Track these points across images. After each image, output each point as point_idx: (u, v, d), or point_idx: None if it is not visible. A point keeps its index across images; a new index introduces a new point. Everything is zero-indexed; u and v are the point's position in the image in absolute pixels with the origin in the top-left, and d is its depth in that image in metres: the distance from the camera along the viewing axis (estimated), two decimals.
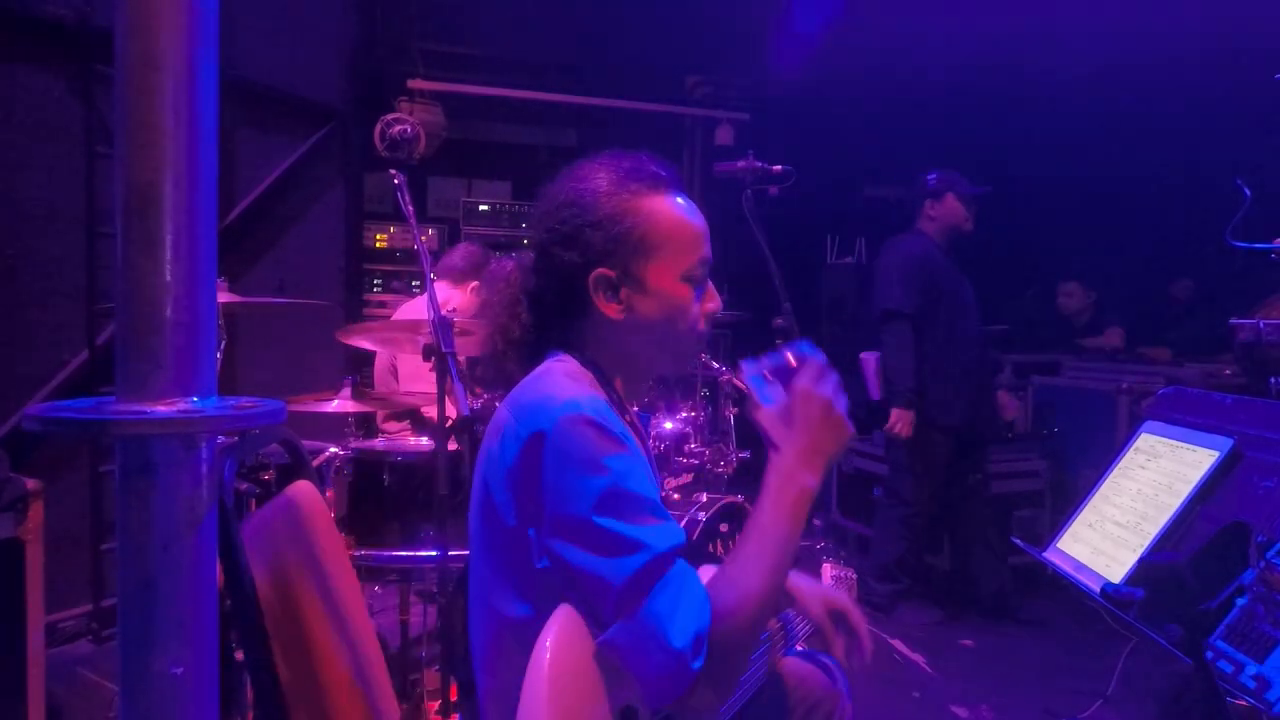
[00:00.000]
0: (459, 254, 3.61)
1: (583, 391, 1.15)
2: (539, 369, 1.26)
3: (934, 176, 3.79)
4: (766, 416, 1.17)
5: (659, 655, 1.00)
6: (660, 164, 1.29)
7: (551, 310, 1.29)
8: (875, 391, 3.72)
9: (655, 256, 1.22)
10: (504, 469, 1.14)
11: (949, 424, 3.61)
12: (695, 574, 1.08)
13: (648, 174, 1.26)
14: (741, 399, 3.64)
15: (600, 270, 1.21)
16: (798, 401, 1.14)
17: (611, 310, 1.22)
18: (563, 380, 1.19)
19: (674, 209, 1.25)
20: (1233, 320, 2.34)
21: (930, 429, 3.59)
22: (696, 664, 1.00)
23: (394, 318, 3.67)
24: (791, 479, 1.12)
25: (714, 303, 1.30)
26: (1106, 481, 1.64)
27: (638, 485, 1.08)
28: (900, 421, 3.53)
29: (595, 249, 1.21)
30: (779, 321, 3.29)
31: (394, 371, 3.41)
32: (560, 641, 1.04)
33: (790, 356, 1.17)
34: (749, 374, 1.20)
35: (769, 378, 1.17)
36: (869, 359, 3.76)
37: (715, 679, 1.03)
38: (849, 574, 1.93)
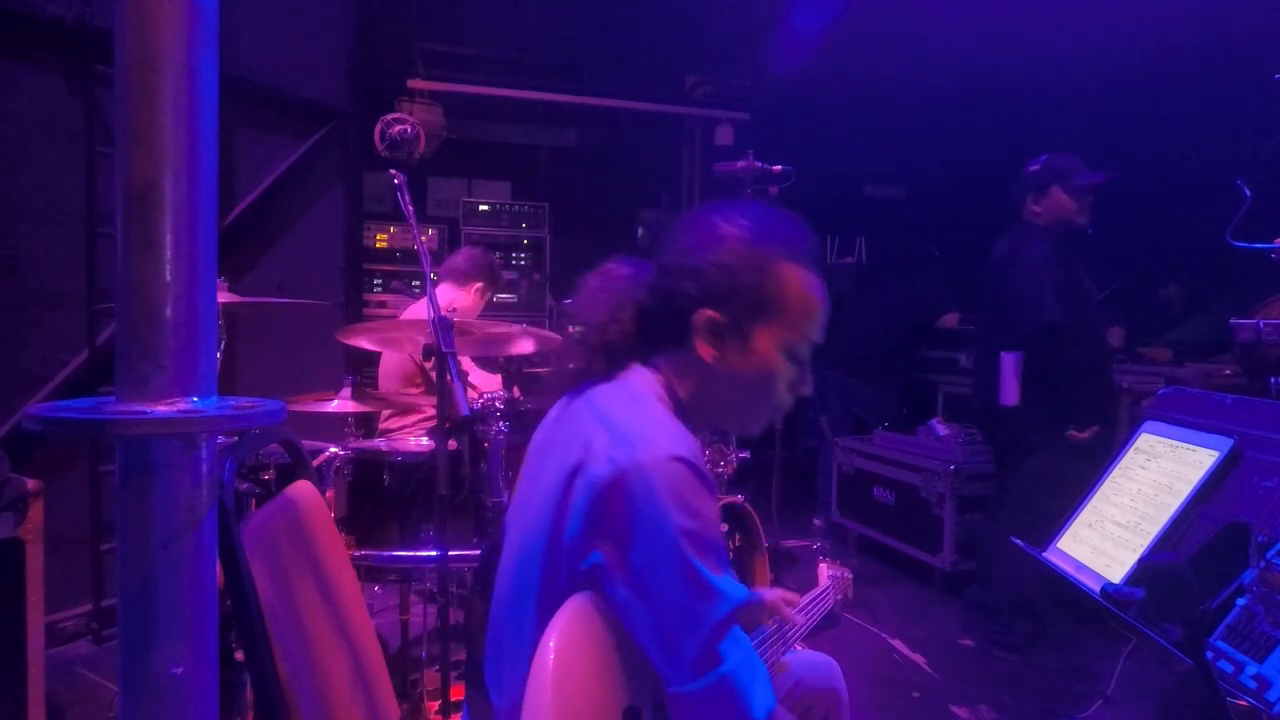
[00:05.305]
0: (462, 256, 3.61)
1: (684, 432, 1.15)
2: (630, 383, 1.25)
3: (1037, 166, 3.30)
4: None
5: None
6: (810, 236, 1.28)
7: (654, 327, 1.28)
8: (1011, 396, 3.37)
9: (770, 320, 1.21)
10: (588, 485, 1.09)
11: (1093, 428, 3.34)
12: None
13: (799, 240, 1.25)
14: None
15: (710, 311, 1.21)
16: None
17: (707, 353, 1.22)
18: (661, 412, 1.19)
19: (809, 285, 1.24)
20: (1233, 320, 2.34)
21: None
22: None
23: (401, 317, 3.66)
24: None
25: (806, 387, 1.29)
26: (1106, 481, 1.65)
27: (718, 536, 1.09)
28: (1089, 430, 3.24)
29: (714, 289, 1.20)
30: None
31: (417, 373, 3.36)
32: (564, 641, 1.03)
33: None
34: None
35: None
36: (1010, 359, 3.39)
37: None
38: (844, 573, 1.93)
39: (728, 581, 1.05)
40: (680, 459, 1.06)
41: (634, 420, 1.14)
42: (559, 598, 1.09)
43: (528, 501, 1.23)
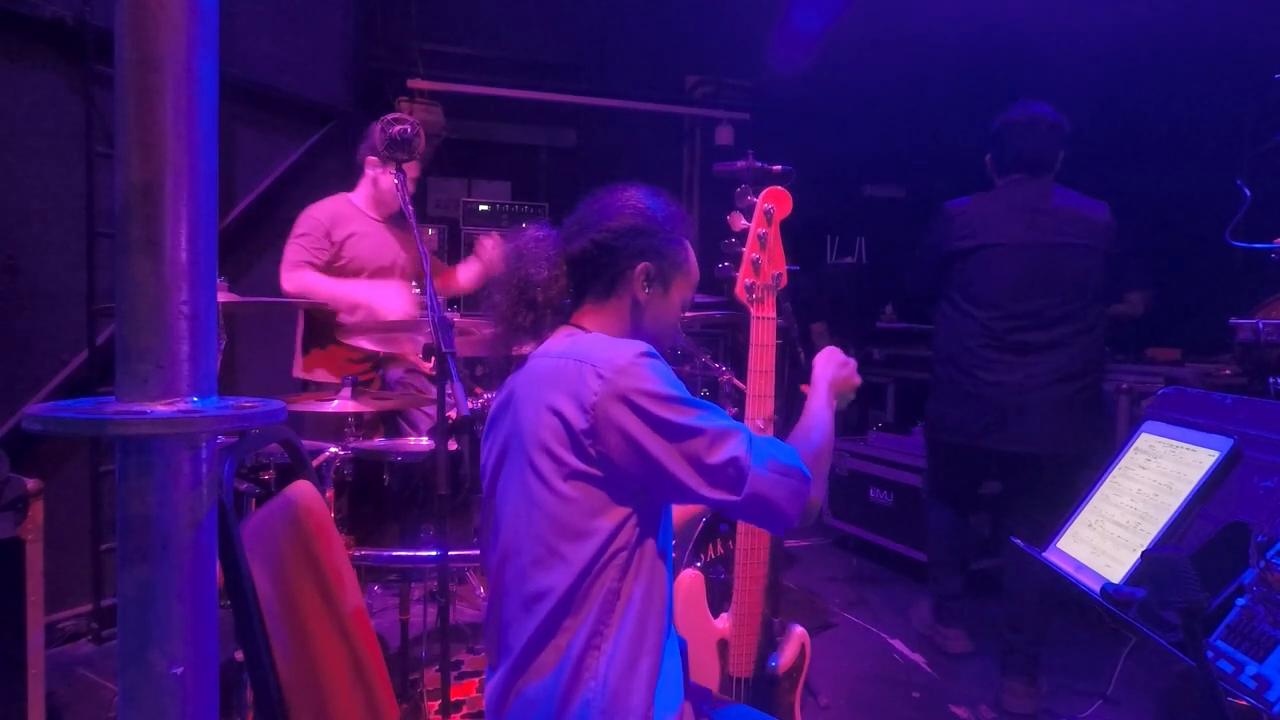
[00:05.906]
0: (375, 132, 3.14)
1: (632, 339, 1.38)
2: (563, 335, 1.43)
3: None
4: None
5: (788, 480, 1.30)
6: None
7: (589, 279, 1.48)
8: None
9: (682, 280, 1.55)
10: (583, 399, 1.27)
11: None
12: None
13: (687, 224, 1.56)
14: (740, 398, 3.64)
15: (648, 263, 1.47)
16: (836, 354, 1.70)
17: (642, 295, 1.48)
18: (604, 335, 1.42)
19: (694, 261, 1.58)
20: (1232, 320, 2.34)
21: None
22: (809, 474, 1.34)
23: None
24: (820, 390, 1.62)
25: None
26: (1106, 481, 1.64)
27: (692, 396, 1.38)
28: None
29: (652, 248, 1.48)
30: (779, 322, 3.28)
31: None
32: None
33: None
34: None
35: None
36: None
37: (818, 488, 1.38)
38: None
39: (716, 409, 1.34)
40: (646, 354, 1.31)
41: (593, 344, 1.35)
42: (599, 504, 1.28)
43: (519, 469, 1.35)
